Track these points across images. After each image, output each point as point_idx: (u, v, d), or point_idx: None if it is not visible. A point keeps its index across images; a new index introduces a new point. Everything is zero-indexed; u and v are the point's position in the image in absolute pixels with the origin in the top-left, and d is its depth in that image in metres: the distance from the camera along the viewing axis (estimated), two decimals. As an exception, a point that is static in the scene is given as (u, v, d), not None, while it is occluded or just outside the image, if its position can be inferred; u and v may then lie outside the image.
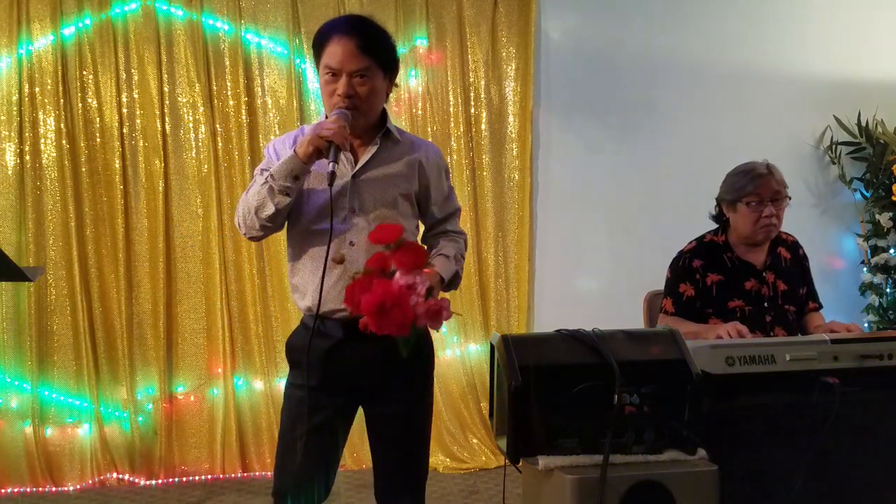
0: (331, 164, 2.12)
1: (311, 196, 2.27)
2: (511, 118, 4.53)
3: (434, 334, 4.29)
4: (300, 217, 2.29)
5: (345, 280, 2.23)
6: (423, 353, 2.39)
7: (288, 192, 2.17)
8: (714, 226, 3.08)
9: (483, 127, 4.52)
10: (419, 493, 2.42)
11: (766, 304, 2.91)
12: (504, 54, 4.51)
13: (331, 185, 2.13)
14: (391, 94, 2.43)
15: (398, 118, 4.44)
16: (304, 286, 2.30)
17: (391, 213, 2.30)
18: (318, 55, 2.29)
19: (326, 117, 2.29)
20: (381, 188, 2.29)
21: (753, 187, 2.88)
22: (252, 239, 2.32)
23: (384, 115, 2.38)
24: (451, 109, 4.49)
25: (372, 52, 2.25)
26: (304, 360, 2.24)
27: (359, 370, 2.30)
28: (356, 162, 2.29)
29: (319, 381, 2.29)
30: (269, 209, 2.18)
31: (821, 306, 3.06)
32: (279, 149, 2.32)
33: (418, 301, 1.98)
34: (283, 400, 2.41)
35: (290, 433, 2.31)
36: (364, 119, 2.28)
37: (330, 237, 2.16)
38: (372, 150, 2.31)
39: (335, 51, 2.22)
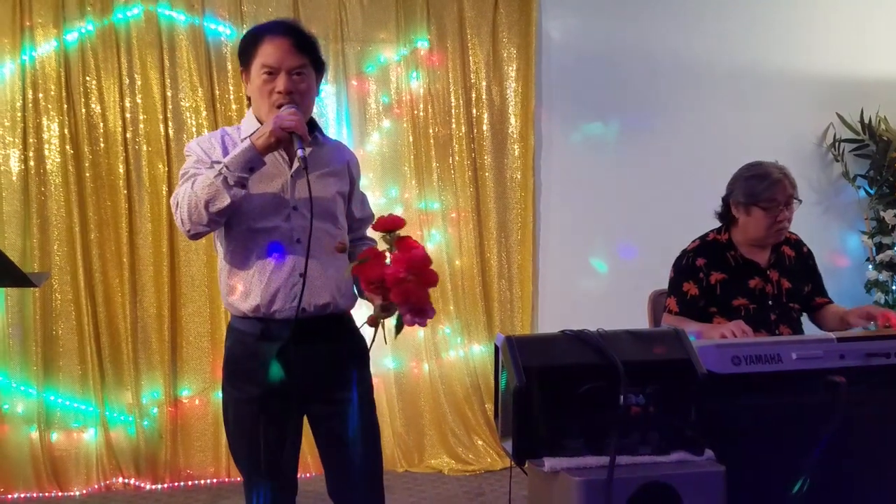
0: (300, 150, 2.14)
1: (254, 194, 2.24)
2: (512, 118, 4.54)
3: (438, 335, 4.29)
4: (241, 216, 2.25)
5: (293, 279, 2.23)
6: (364, 355, 2.39)
7: (243, 184, 2.15)
8: (716, 224, 3.08)
9: (485, 127, 4.52)
10: (379, 483, 2.42)
11: (770, 303, 2.91)
12: (505, 55, 4.51)
13: (305, 168, 2.15)
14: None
15: (399, 120, 4.45)
16: (248, 286, 2.27)
17: (331, 210, 2.33)
18: (249, 58, 2.30)
19: (259, 121, 2.29)
20: (321, 186, 2.29)
21: (770, 192, 2.89)
22: (194, 237, 2.25)
23: (311, 119, 2.40)
24: (453, 110, 4.49)
25: (307, 51, 2.29)
26: (256, 366, 2.24)
27: (306, 371, 2.28)
28: (291, 161, 2.28)
29: (272, 387, 2.25)
30: (223, 202, 2.13)
31: (830, 301, 3.06)
32: (206, 148, 2.30)
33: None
34: (232, 416, 2.34)
35: (254, 449, 2.27)
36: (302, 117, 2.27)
37: (311, 224, 2.17)
38: (308, 149, 2.27)
39: (271, 50, 2.25)
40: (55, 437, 4.17)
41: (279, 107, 2.24)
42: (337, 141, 2.59)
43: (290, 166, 2.29)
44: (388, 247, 2.02)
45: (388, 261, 1.98)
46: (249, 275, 2.27)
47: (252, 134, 2.21)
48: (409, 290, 1.95)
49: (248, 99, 2.38)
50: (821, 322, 3.03)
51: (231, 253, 2.31)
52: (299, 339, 2.24)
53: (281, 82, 2.25)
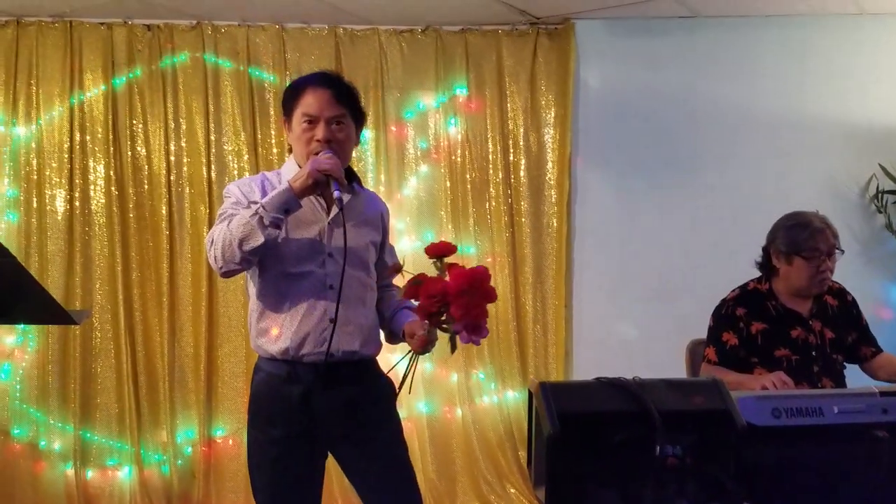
0: (336, 191, 2.19)
1: (290, 240, 2.29)
2: (549, 165, 4.55)
3: (472, 380, 4.28)
4: (276, 260, 2.29)
5: (324, 324, 2.26)
6: (391, 398, 2.42)
7: (278, 225, 2.19)
8: (755, 273, 3.05)
9: (522, 174, 4.54)
10: None
11: (813, 353, 2.86)
12: (543, 102, 4.55)
13: (341, 209, 2.21)
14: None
15: (437, 165, 4.49)
16: (279, 329, 2.30)
17: (364, 258, 2.37)
18: (291, 108, 2.36)
19: (300, 167, 2.33)
20: (356, 234, 2.33)
21: (813, 242, 2.86)
22: (226, 274, 2.27)
23: (349, 168, 2.44)
24: (490, 156, 4.52)
25: (347, 101, 2.35)
26: (281, 408, 2.28)
27: (331, 414, 2.30)
28: (329, 209, 2.32)
29: (296, 429, 2.28)
30: (257, 241, 2.15)
31: (879, 350, 3.01)
32: (245, 191, 2.34)
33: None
34: (256, 456, 2.36)
35: (279, 490, 2.30)
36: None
37: (343, 270, 2.22)
38: (345, 198, 2.32)
39: (312, 100, 2.32)
40: (90, 474, 4.20)
41: (317, 154, 2.28)
42: (371, 192, 2.65)
43: (328, 213, 2.32)
44: (438, 272, 2.07)
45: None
46: (281, 318, 2.30)
47: (291, 177, 2.25)
48: (470, 304, 1.98)
49: (290, 147, 2.44)
50: (874, 371, 2.97)
51: (264, 296, 2.34)
52: (325, 384, 2.28)
53: (320, 131, 2.30)
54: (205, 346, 4.26)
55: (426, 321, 2.11)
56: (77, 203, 4.22)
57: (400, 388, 2.30)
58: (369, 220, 2.44)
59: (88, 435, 4.20)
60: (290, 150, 2.44)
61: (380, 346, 2.45)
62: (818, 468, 1.98)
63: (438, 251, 2.11)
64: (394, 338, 2.44)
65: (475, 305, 2.01)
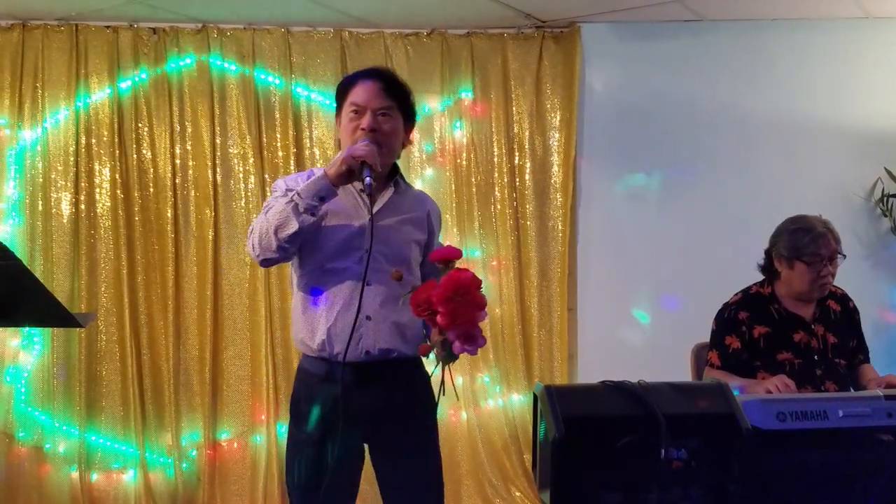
0: (367, 178, 2.16)
1: (329, 233, 2.28)
2: (555, 168, 4.55)
3: (477, 384, 4.27)
4: (314, 254, 2.30)
5: (359, 321, 2.23)
6: (430, 401, 2.38)
7: (313, 212, 2.18)
8: (759, 277, 3.04)
9: (527, 177, 4.54)
10: None
11: (816, 357, 2.86)
12: (548, 105, 4.55)
13: (369, 194, 2.18)
14: (406, 149, 2.48)
15: (443, 169, 4.49)
16: (314, 325, 2.30)
17: (406, 256, 2.34)
18: (341, 101, 2.37)
19: None
20: (398, 232, 2.33)
21: (815, 247, 2.86)
22: (264, 263, 2.28)
23: (395, 165, 2.43)
24: (496, 160, 4.52)
25: (395, 94, 2.34)
26: (318, 406, 2.26)
27: (369, 417, 2.29)
28: (372, 205, 2.31)
29: (330, 428, 2.26)
30: (292, 227, 2.15)
31: (867, 361, 3.00)
32: (291, 185, 2.33)
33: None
34: (291, 454, 2.37)
35: (310, 489, 2.29)
36: (383, 158, 2.30)
37: (370, 250, 2.19)
38: (388, 194, 2.35)
39: (360, 91, 2.32)
40: (95, 477, 4.20)
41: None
42: (421, 191, 2.63)
43: (370, 210, 2.30)
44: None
45: None
46: (318, 314, 2.29)
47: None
48: (456, 312, 1.95)
49: (339, 142, 2.43)
50: (855, 383, 2.96)
51: (303, 291, 2.35)
52: (362, 383, 2.26)
53: (365, 120, 2.29)
54: (210, 350, 4.27)
55: (435, 329, 2.07)
56: (82, 206, 4.23)
57: (439, 396, 2.22)
58: (413, 218, 2.40)
59: (93, 438, 4.20)
60: (340, 147, 2.41)
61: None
62: (822, 471, 1.98)
63: (444, 256, 2.08)
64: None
65: (461, 314, 1.96)
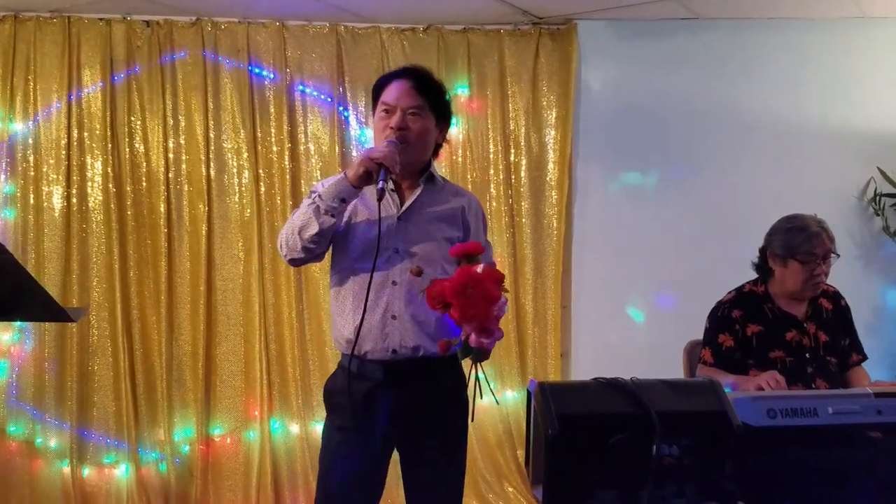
0: (381, 182, 2.16)
1: (357, 233, 2.30)
2: (550, 165, 4.54)
3: (471, 380, 4.24)
4: (345, 253, 2.32)
5: (386, 320, 2.25)
6: (462, 401, 2.39)
7: (334, 213, 2.20)
8: (753, 275, 3.05)
9: (522, 174, 4.54)
10: None
11: (807, 356, 2.87)
12: (544, 102, 4.54)
13: (380, 199, 2.17)
14: (441, 149, 2.47)
15: (438, 164, 4.46)
16: (344, 324, 2.32)
17: (435, 255, 2.32)
18: (375, 100, 2.39)
19: None
20: (426, 230, 2.33)
21: (809, 246, 2.87)
22: (292, 262, 2.32)
23: (429, 163, 2.43)
24: (491, 156, 4.52)
25: (426, 93, 2.34)
26: (346, 401, 2.27)
27: (398, 415, 2.31)
28: (402, 203, 2.31)
29: (359, 424, 2.28)
30: (314, 229, 2.19)
31: (865, 357, 3.01)
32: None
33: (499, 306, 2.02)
34: (323, 443, 2.40)
35: (331, 477, 2.31)
36: (412, 156, 2.31)
37: (376, 255, 2.19)
38: (417, 192, 2.36)
39: (391, 90, 2.33)
40: (87, 472, 4.19)
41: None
42: (457, 186, 2.61)
43: (399, 209, 2.31)
44: None
45: None
46: (346, 313, 2.31)
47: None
48: (469, 305, 1.95)
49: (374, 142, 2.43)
50: (846, 383, 2.97)
51: (335, 291, 2.37)
52: (392, 382, 2.28)
53: (395, 119, 2.30)
54: (203, 345, 4.25)
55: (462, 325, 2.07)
56: (74, 200, 4.20)
57: (473, 403, 2.23)
58: (445, 215, 2.39)
59: (85, 433, 4.18)
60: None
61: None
62: (813, 468, 1.98)
63: (464, 252, 2.08)
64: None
65: (473, 307, 1.97)
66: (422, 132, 2.33)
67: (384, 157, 2.18)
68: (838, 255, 2.93)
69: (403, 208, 2.31)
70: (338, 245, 2.33)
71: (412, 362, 2.30)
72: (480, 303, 1.99)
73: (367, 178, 2.20)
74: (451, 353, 2.19)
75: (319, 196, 2.20)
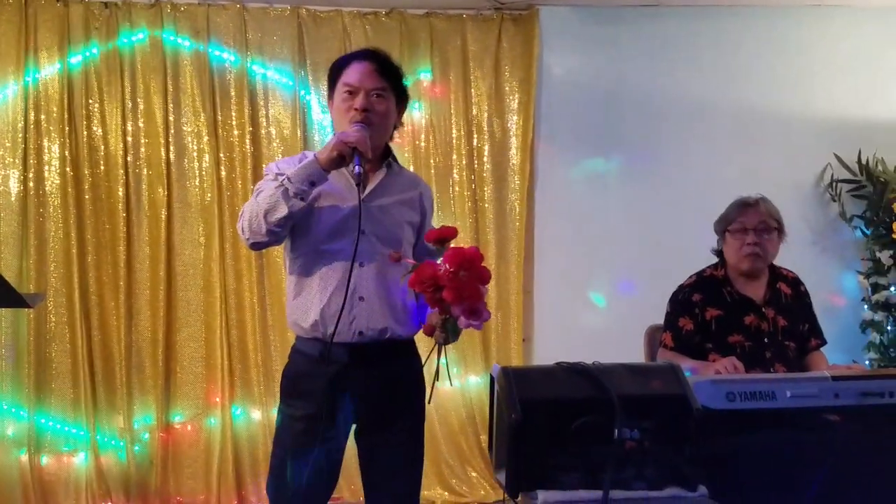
0: (357, 167, 2.17)
1: (323, 215, 2.28)
2: (513, 150, 4.55)
3: (434, 365, 4.25)
4: (309, 236, 2.30)
5: (353, 302, 2.24)
6: (421, 385, 2.42)
7: (303, 197, 2.18)
8: (714, 260, 3.09)
9: (485, 159, 4.54)
10: None
11: (766, 340, 2.90)
12: (507, 88, 4.54)
13: (358, 184, 2.19)
14: (396, 132, 2.46)
15: (401, 150, 4.46)
16: (308, 306, 2.30)
17: (399, 237, 2.34)
18: (334, 80, 2.36)
19: None
20: (389, 213, 2.34)
21: (737, 215, 2.94)
22: (254, 246, 2.30)
23: (387, 146, 2.42)
24: (454, 142, 4.51)
25: (389, 76, 2.34)
26: (311, 386, 2.26)
27: (363, 397, 2.31)
28: (364, 186, 2.30)
29: (324, 408, 2.27)
30: (282, 212, 2.16)
31: (824, 342, 3.05)
32: (283, 168, 2.31)
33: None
34: (280, 430, 2.38)
35: (287, 466, 2.30)
36: (375, 139, 2.30)
37: (357, 238, 2.20)
38: (379, 176, 2.36)
39: (354, 72, 2.31)
40: (45, 460, 4.13)
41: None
42: (414, 174, 2.65)
43: (359, 194, 2.29)
44: (440, 258, 2.05)
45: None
46: (311, 295, 2.29)
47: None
48: (462, 287, 1.96)
49: (333, 123, 2.42)
50: (805, 365, 3.01)
51: (296, 273, 2.34)
52: (357, 364, 2.27)
53: (359, 100, 2.28)
54: (163, 331, 4.21)
55: (435, 309, 2.09)
56: (31, 184, 4.12)
57: (433, 384, 2.26)
58: (406, 199, 2.41)
59: (43, 420, 4.13)
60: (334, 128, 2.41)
61: (416, 327, 2.41)
62: (771, 451, 2.02)
63: (440, 236, 2.09)
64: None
65: (467, 287, 1.98)
66: (385, 114, 2.33)
67: (358, 140, 2.17)
68: (782, 232, 2.96)
69: (367, 191, 2.30)
70: (300, 228, 2.30)
71: (378, 344, 2.30)
72: (474, 283, 2.00)
73: (339, 161, 2.18)
74: (414, 309, 2.24)
75: (288, 179, 2.17)
